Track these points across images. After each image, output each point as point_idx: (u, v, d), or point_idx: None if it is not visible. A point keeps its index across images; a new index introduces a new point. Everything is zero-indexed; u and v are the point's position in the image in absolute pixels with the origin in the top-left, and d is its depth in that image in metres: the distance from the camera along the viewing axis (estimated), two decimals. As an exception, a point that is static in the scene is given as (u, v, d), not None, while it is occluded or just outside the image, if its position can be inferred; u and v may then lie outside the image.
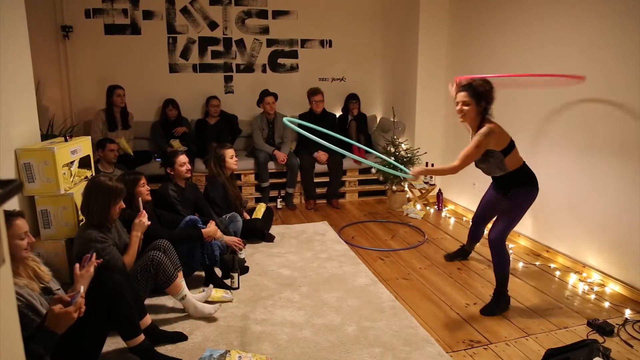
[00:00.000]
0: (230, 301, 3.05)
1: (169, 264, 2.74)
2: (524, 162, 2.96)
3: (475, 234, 3.63)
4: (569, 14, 3.53)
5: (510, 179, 2.93)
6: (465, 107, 2.84)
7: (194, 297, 2.88)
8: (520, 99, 4.08)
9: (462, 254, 3.78)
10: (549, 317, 2.91)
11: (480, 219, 3.48)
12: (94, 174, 3.44)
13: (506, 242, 3.00)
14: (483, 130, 2.80)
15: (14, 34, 2.89)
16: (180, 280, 2.83)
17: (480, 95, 2.80)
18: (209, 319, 2.83)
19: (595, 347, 2.31)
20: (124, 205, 2.73)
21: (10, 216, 1.96)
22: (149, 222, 2.88)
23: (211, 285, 3.10)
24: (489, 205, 3.32)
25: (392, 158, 5.07)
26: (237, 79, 5.89)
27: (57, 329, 1.78)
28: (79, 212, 3.04)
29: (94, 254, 2.23)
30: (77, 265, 2.17)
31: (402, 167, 3.57)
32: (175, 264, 2.83)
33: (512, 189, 2.95)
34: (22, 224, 1.97)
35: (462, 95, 2.85)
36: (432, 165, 5.19)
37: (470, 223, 3.68)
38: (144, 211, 2.91)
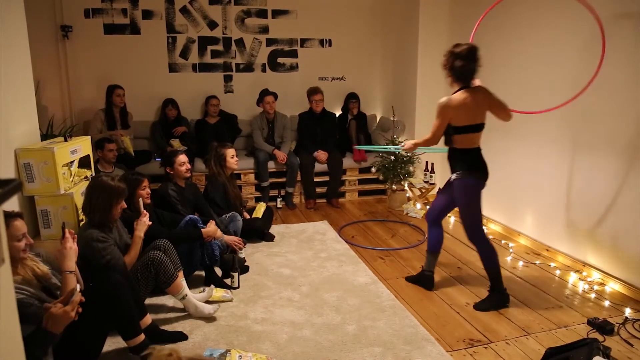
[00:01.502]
0: (231, 300, 3.05)
1: (169, 264, 2.74)
2: (479, 149, 2.96)
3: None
4: (569, 14, 3.53)
5: (454, 158, 2.97)
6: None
7: (195, 297, 2.88)
8: (520, 99, 4.08)
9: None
10: (549, 316, 2.91)
11: (437, 214, 3.21)
12: (93, 174, 3.44)
13: (485, 234, 3.03)
14: (441, 101, 2.92)
15: (14, 34, 2.88)
16: (181, 280, 2.83)
17: (445, 66, 2.91)
18: (209, 318, 2.83)
19: (596, 346, 2.31)
20: (125, 206, 2.73)
21: (8, 217, 1.95)
22: (151, 222, 2.89)
23: (212, 286, 3.10)
24: (441, 197, 3.21)
25: (392, 157, 5.07)
26: (236, 78, 5.88)
27: (54, 329, 1.77)
28: (81, 211, 3.05)
29: (65, 229, 2.20)
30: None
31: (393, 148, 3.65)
32: (175, 264, 2.83)
33: (456, 171, 2.95)
34: (20, 225, 1.97)
35: None
36: (432, 164, 5.19)
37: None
38: (145, 211, 2.91)
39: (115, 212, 2.65)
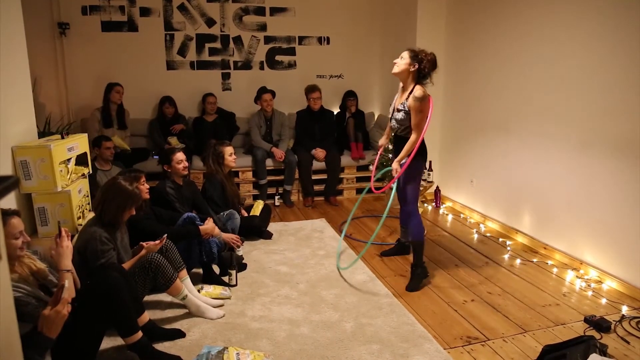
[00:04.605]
0: (229, 298, 3.05)
1: (168, 267, 2.73)
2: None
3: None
4: (567, 11, 3.53)
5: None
6: (400, 60, 3.12)
7: (208, 302, 2.89)
8: (519, 97, 4.09)
9: (401, 248, 3.84)
10: (546, 313, 2.92)
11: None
12: (90, 172, 3.44)
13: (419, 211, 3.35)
14: (418, 94, 3.04)
15: (11, 31, 2.87)
16: (183, 280, 2.86)
17: (416, 57, 3.09)
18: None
19: (592, 344, 2.32)
20: (134, 212, 2.73)
21: (5, 215, 1.94)
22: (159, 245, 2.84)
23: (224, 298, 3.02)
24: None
25: (390, 156, 5.07)
26: (234, 76, 5.87)
27: (51, 332, 1.76)
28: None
29: (61, 228, 2.20)
30: (54, 246, 2.13)
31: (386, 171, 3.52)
32: (176, 264, 2.83)
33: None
34: (17, 223, 1.96)
35: (405, 52, 3.14)
36: (430, 162, 5.19)
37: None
38: (165, 238, 2.85)
39: (125, 216, 2.66)
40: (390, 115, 3.39)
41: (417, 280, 3.27)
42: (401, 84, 3.26)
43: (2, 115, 2.67)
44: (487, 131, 4.54)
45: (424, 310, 2.97)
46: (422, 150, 3.24)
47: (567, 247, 3.66)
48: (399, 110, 3.21)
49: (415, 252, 3.33)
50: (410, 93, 3.11)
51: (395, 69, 3.16)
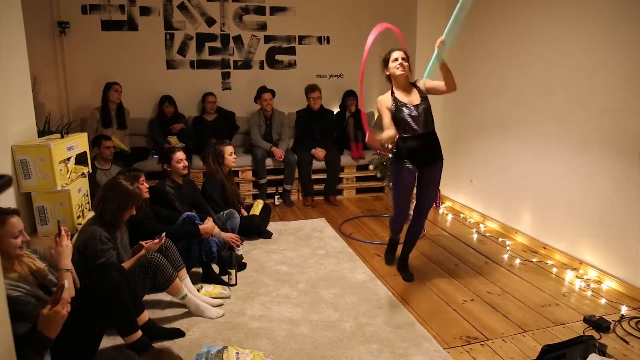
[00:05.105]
0: (228, 297, 3.05)
1: (167, 266, 2.73)
2: None
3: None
4: (567, 11, 3.53)
5: (436, 142, 3.22)
6: (406, 63, 3.30)
7: (207, 301, 2.89)
8: (518, 97, 4.08)
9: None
10: (545, 313, 2.92)
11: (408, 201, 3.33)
12: (90, 171, 3.44)
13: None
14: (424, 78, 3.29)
15: (11, 30, 2.87)
16: (182, 279, 2.86)
17: (408, 59, 3.31)
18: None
19: (592, 344, 2.32)
20: (134, 212, 2.73)
21: (4, 214, 1.94)
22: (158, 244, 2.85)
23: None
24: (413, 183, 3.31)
25: (390, 155, 5.07)
26: (234, 75, 5.87)
27: (50, 332, 1.76)
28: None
29: (61, 227, 2.19)
30: (53, 245, 2.13)
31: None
32: (175, 264, 2.83)
33: (440, 154, 3.20)
34: (16, 222, 1.96)
35: (401, 53, 3.32)
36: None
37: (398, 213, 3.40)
38: (164, 237, 2.87)
39: (125, 215, 2.66)
40: (403, 119, 3.26)
41: (408, 270, 3.45)
42: (391, 89, 3.44)
43: (2, 115, 2.67)
44: (486, 131, 4.54)
45: (423, 309, 2.97)
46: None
47: (567, 247, 3.66)
48: (418, 102, 3.26)
49: (408, 249, 3.47)
50: (415, 87, 3.33)
51: (402, 71, 3.28)
